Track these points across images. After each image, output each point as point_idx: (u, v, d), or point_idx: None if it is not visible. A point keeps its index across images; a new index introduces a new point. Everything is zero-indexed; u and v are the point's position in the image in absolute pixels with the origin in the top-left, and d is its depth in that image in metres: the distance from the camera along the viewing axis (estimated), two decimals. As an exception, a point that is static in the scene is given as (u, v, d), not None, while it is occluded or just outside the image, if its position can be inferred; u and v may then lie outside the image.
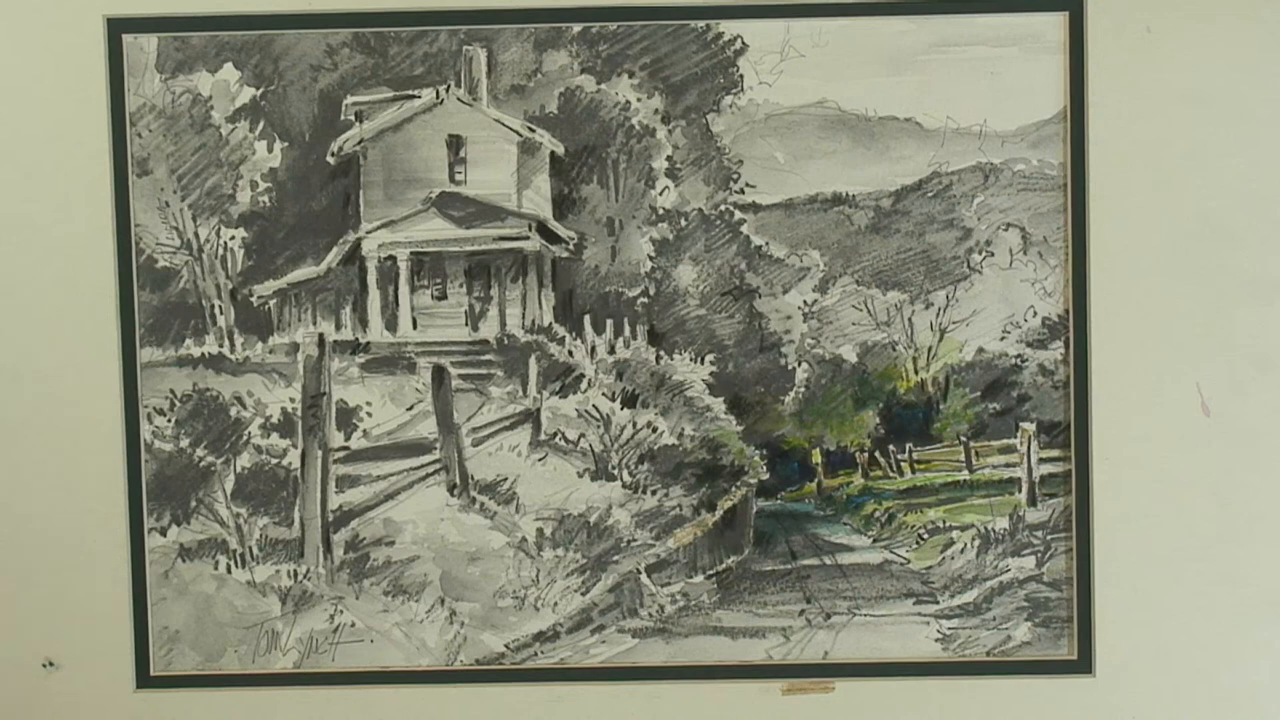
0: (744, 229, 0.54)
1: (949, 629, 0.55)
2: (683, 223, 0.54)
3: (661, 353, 0.54)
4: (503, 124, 0.54)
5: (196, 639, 0.55)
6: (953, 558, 0.55)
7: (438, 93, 0.54)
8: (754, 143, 0.54)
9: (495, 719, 0.55)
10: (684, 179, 0.54)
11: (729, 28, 0.54)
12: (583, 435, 0.54)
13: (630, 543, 0.55)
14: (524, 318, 0.55)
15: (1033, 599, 0.55)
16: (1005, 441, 0.55)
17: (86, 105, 0.54)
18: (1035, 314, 0.55)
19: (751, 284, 0.55)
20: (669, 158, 0.54)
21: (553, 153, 0.54)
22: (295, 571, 0.55)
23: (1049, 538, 0.55)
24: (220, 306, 0.54)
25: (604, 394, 0.54)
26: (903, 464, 0.55)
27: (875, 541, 0.55)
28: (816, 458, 0.55)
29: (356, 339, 0.55)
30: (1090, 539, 0.55)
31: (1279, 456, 0.56)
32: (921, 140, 0.54)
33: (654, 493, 0.55)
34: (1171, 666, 0.55)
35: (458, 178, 0.55)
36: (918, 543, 0.55)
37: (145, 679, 0.55)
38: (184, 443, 0.54)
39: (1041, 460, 0.55)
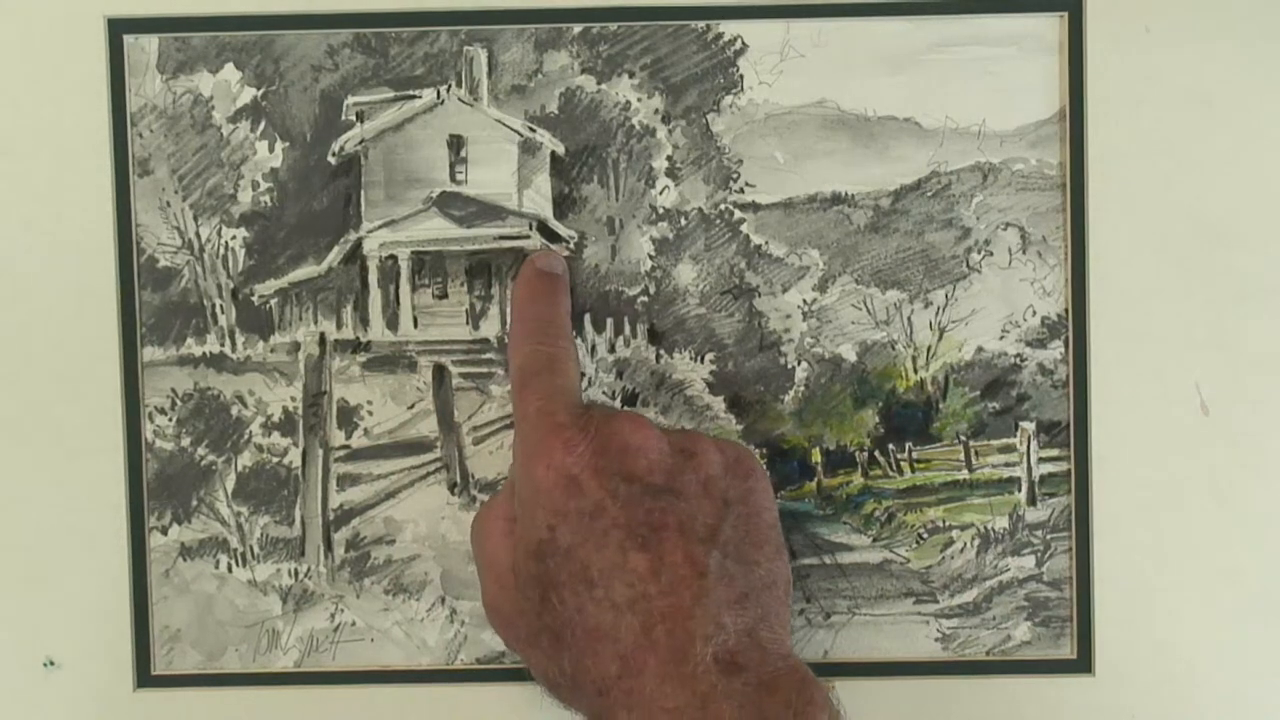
0: (744, 228, 0.54)
1: (949, 628, 0.55)
2: (683, 222, 0.54)
3: (661, 351, 0.54)
4: (503, 124, 0.54)
5: (197, 638, 0.55)
6: (952, 557, 0.55)
7: (438, 93, 0.54)
8: (754, 142, 0.54)
9: (495, 719, 0.55)
10: (684, 178, 0.54)
11: (729, 28, 0.54)
12: (583, 434, 0.54)
13: (630, 542, 0.55)
14: (524, 317, 0.54)
15: (1032, 599, 0.55)
16: (1005, 441, 0.55)
17: (87, 105, 0.54)
18: (1035, 313, 0.54)
19: (751, 283, 0.54)
20: (669, 157, 0.54)
21: (553, 152, 0.54)
22: (296, 570, 0.55)
23: (1049, 537, 0.55)
24: (221, 306, 0.54)
25: (604, 392, 0.54)
26: (902, 463, 0.55)
27: (875, 541, 0.55)
28: (816, 457, 0.55)
29: (357, 338, 0.55)
30: (1090, 539, 0.55)
31: (1279, 456, 0.55)
32: (921, 140, 0.54)
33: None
34: (1171, 666, 0.55)
35: (458, 177, 0.55)
36: (917, 542, 0.55)
37: (145, 679, 0.54)
38: (185, 442, 0.54)
39: (1041, 460, 0.55)
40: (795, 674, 0.40)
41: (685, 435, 0.40)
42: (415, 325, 0.55)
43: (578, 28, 0.53)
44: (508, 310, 0.54)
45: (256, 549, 0.54)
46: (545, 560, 0.37)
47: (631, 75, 0.53)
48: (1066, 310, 0.54)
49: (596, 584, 0.36)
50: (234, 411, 0.54)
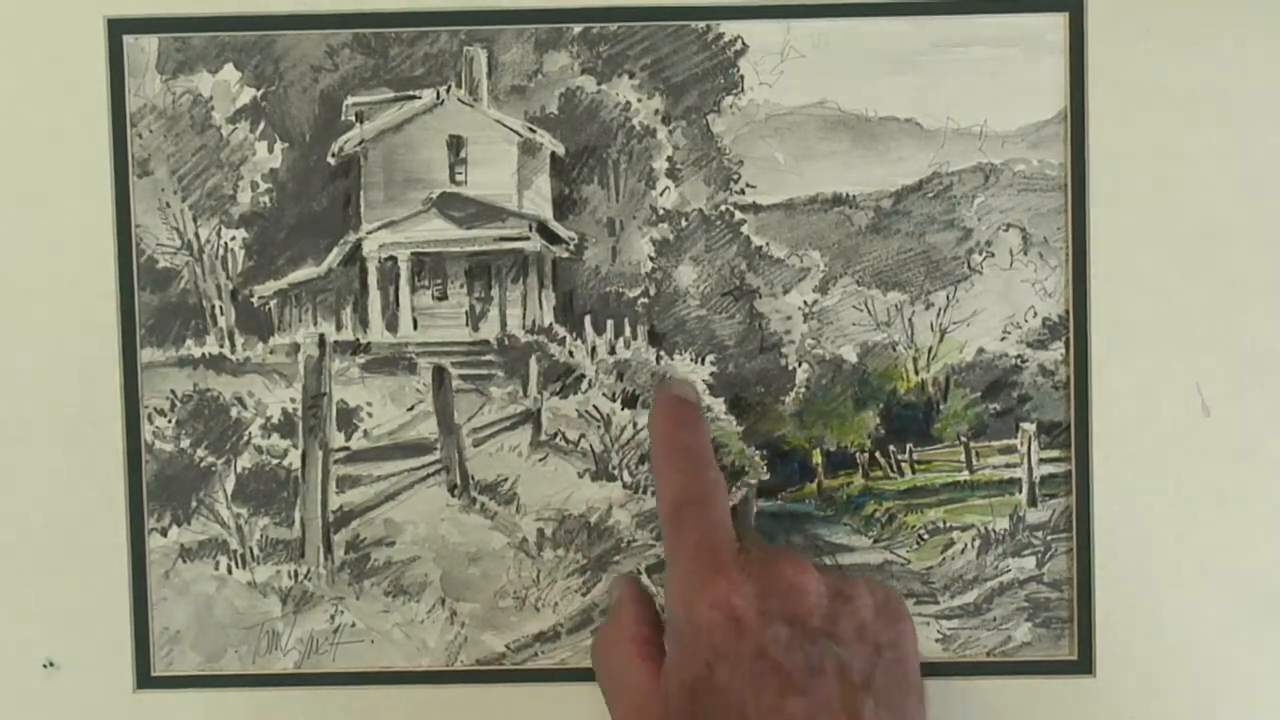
0: (744, 229, 0.54)
1: (949, 629, 0.55)
2: (683, 223, 0.54)
3: (662, 353, 0.54)
4: (503, 125, 0.54)
5: (197, 639, 0.55)
6: (953, 558, 0.55)
7: (438, 93, 0.54)
8: (754, 143, 0.54)
9: (495, 719, 0.55)
10: (684, 179, 0.54)
11: (729, 28, 0.54)
12: (583, 435, 0.54)
13: (631, 543, 0.55)
14: (524, 318, 0.55)
15: (1033, 599, 0.55)
16: (1005, 442, 0.55)
17: (87, 106, 0.54)
18: (1035, 314, 0.54)
19: (752, 284, 0.54)
20: (669, 158, 0.54)
21: (553, 153, 0.54)
22: (296, 572, 0.55)
23: (1049, 538, 0.55)
24: (221, 307, 0.54)
25: (604, 394, 0.54)
26: (903, 464, 0.55)
27: (876, 542, 0.55)
28: (817, 458, 0.55)
29: (357, 339, 0.54)
30: (1090, 539, 0.55)
31: (1279, 456, 0.56)
32: (922, 140, 0.54)
33: (654, 493, 0.55)
34: (1171, 666, 0.55)
35: (458, 178, 0.55)
36: (918, 543, 0.55)
37: (145, 679, 0.54)
38: (184, 443, 0.54)
39: (1041, 460, 0.55)
40: None
41: (840, 577, 0.41)
42: (415, 327, 0.55)
43: (578, 28, 0.53)
44: (507, 312, 0.54)
45: (256, 551, 0.54)
46: (700, 698, 0.37)
47: (631, 76, 0.53)
48: (1067, 311, 0.54)
49: None
50: (233, 413, 0.54)
